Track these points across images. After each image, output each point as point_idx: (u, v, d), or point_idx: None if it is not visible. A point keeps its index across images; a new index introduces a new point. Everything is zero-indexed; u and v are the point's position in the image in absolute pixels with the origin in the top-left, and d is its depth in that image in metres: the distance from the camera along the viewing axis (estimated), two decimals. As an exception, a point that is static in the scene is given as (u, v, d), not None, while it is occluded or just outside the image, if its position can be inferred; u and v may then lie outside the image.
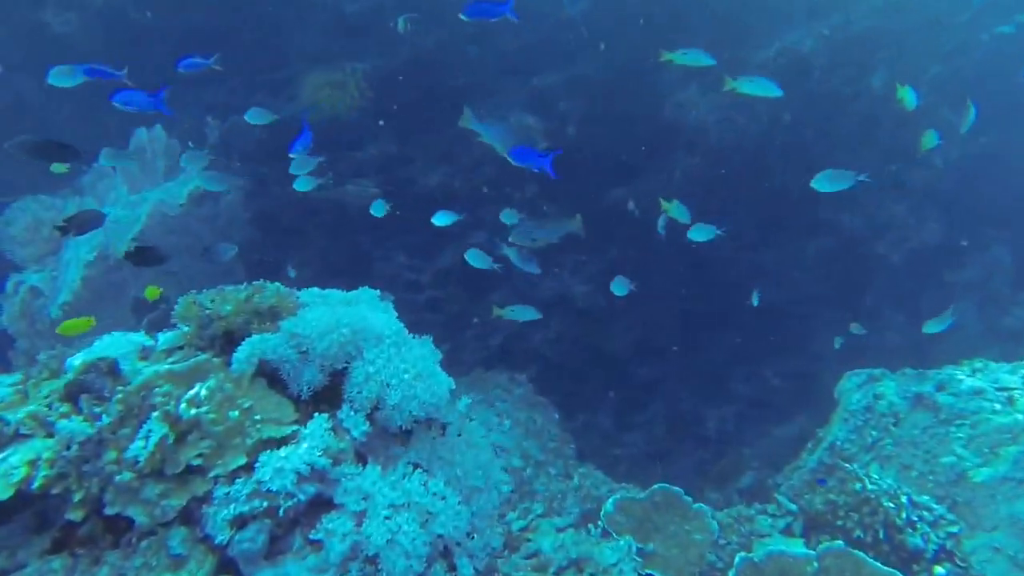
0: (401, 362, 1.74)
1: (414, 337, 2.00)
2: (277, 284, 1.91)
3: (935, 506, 2.67)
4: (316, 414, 1.58)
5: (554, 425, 4.48)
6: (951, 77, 5.32)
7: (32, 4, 5.45)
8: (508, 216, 4.76)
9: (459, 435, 1.90)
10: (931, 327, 5.19)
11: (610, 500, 2.81)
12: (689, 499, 2.96)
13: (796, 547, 2.75)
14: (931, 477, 2.79)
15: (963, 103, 4.87)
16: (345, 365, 1.71)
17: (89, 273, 3.39)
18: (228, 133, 5.11)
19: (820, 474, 3.09)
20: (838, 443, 3.18)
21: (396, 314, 2.16)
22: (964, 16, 5.12)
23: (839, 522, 2.62)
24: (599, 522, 2.73)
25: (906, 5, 4.77)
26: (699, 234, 4.53)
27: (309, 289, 2.07)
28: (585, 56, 6.06)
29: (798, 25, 4.86)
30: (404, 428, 1.70)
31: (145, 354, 1.62)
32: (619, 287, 4.36)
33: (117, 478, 1.35)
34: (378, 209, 4.23)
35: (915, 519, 2.57)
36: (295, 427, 1.54)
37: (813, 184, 4.03)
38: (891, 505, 2.56)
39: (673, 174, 5.65)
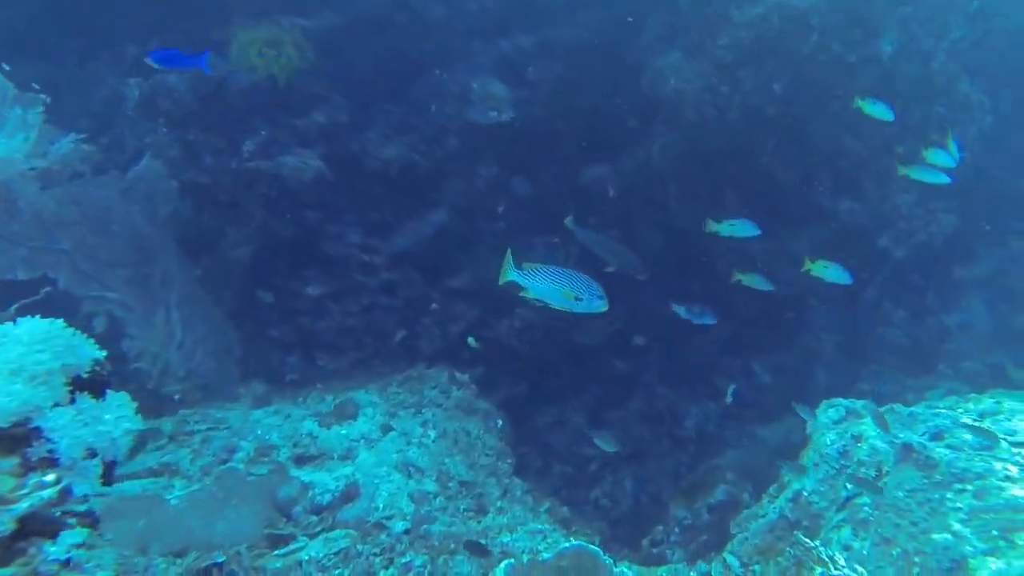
0: None
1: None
2: None
3: None
4: None
5: (494, 435, 3.81)
6: (977, 43, 4.43)
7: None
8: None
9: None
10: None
11: (502, 565, 2.14)
12: (609, 562, 2.27)
13: (735, 637, 2.07)
14: (918, 559, 2.07)
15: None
16: None
17: None
18: (152, 94, 4.40)
19: (780, 531, 2.40)
20: (804, 494, 2.47)
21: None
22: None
23: (789, 618, 1.94)
24: (482, 597, 2.08)
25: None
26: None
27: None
28: (559, 17, 5.26)
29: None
30: None
31: None
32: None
33: None
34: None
35: (890, 627, 1.87)
36: None
37: None
38: (858, 606, 1.86)
39: (651, 150, 4.86)
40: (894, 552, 2.12)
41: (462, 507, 2.85)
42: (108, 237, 3.91)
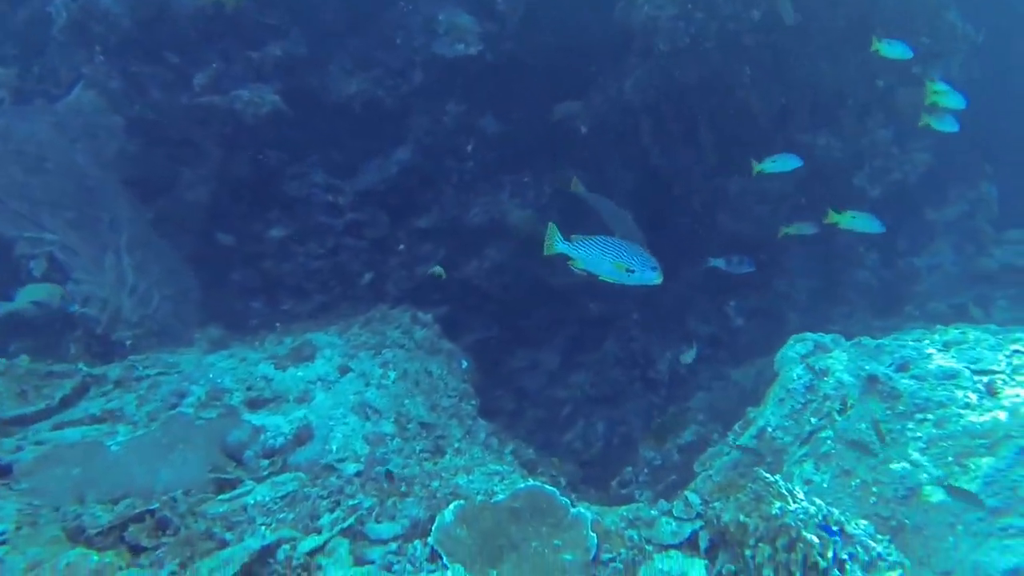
0: None
1: None
2: None
3: (871, 542, 1.88)
4: None
5: (457, 376, 3.70)
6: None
7: None
8: None
9: None
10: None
11: (451, 507, 2.04)
12: (565, 501, 2.18)
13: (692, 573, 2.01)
14: (875, 489, 2.01)
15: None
16: None
17: None
18: (83, 17, 4.02)
19: (743, 468, 2.32)
20: (769, 430, 2.39)
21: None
22: None
23: (747, 552, 1.86)
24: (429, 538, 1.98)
25: None
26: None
27: None
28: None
29: None
30: None
31: None
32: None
33: None
34: None
35: (845, 558, 1.80)
36: None
37: None
38: (814, 539, 1.78)
39: (623, 85, 4.64)
40: (853, 483, 2.06)
41: (418, 448, 2.74)
42: (43, 175, 3.65)
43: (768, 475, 1.96)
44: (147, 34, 4.20)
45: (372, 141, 5.26)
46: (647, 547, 2.20)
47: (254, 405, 3.03)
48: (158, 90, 4.44)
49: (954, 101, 3.69)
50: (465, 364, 3.84)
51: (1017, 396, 2.17)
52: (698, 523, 2.24)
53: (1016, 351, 2.37)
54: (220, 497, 2.24)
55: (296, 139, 5.06)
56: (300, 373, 3.28)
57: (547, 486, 2.25)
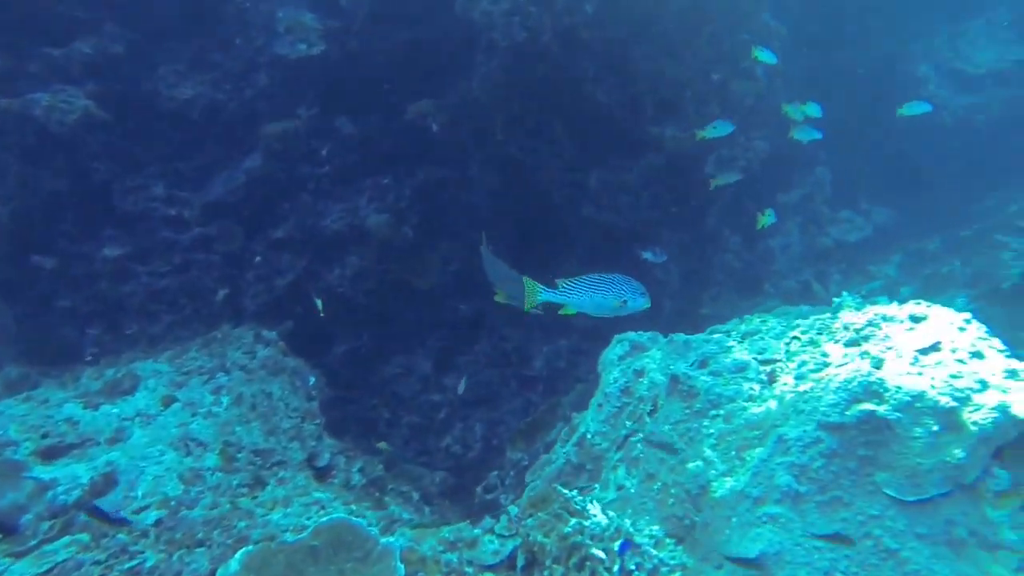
0: None
1: None
2: None
3: (653, 550, 1.87)
4: None
5: (302, 395, 3.49)
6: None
7: None
8: None
9: None
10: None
11: (238, 555, 1.88)
12: (373, 532, 2.05)
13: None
14: (673, 491, 2.01)
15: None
16: None
17: None
18: None
19: (566, 477, 2.27)
20: (588, 436, 2.35)
21: None
22: None
23: (546, 572, 1.81)
24: (212, 595, 1.81)
25: None
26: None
27: None
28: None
29: None
30: None
31: None
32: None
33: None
34: None
35: (632, 568, 1.78)
36: None
37: None
38: (601, 555, 1.75)
39: (471, 83, 4.54)
40: (655, 487, 2.05)
41: (235, 483, 2.54)
42: None
43: (565, 491, 1.91)
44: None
45: (219, 149, 4.94)
46: (467, 569, 2.11)
47: (50, 455, 2.70)
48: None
49: (812, 111, 4.05)
50: (312, 380, 3.64)
51: (786, 383, 2.23)
52: (518, 539, 2.17)
53: (794, 337, 2.45)
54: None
55: (128, 149, 4.66)
56: (115, 410, 2.98)
57: (353, 518, 2.11)
